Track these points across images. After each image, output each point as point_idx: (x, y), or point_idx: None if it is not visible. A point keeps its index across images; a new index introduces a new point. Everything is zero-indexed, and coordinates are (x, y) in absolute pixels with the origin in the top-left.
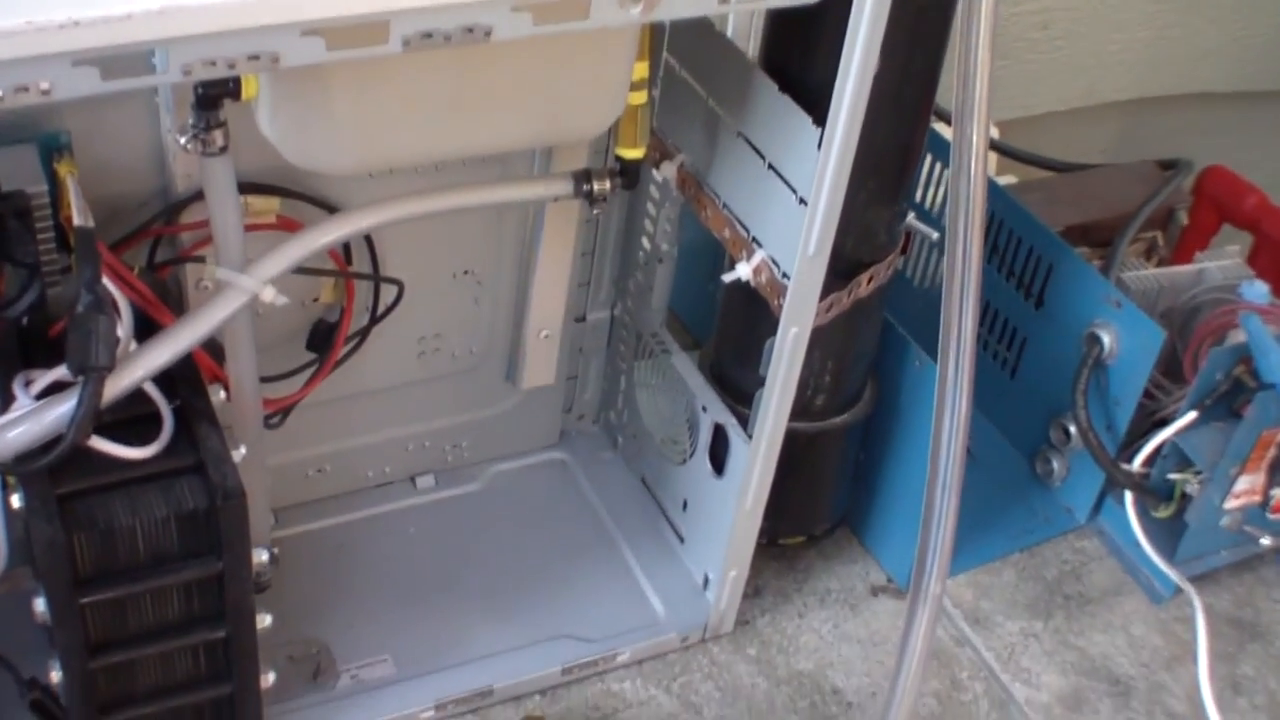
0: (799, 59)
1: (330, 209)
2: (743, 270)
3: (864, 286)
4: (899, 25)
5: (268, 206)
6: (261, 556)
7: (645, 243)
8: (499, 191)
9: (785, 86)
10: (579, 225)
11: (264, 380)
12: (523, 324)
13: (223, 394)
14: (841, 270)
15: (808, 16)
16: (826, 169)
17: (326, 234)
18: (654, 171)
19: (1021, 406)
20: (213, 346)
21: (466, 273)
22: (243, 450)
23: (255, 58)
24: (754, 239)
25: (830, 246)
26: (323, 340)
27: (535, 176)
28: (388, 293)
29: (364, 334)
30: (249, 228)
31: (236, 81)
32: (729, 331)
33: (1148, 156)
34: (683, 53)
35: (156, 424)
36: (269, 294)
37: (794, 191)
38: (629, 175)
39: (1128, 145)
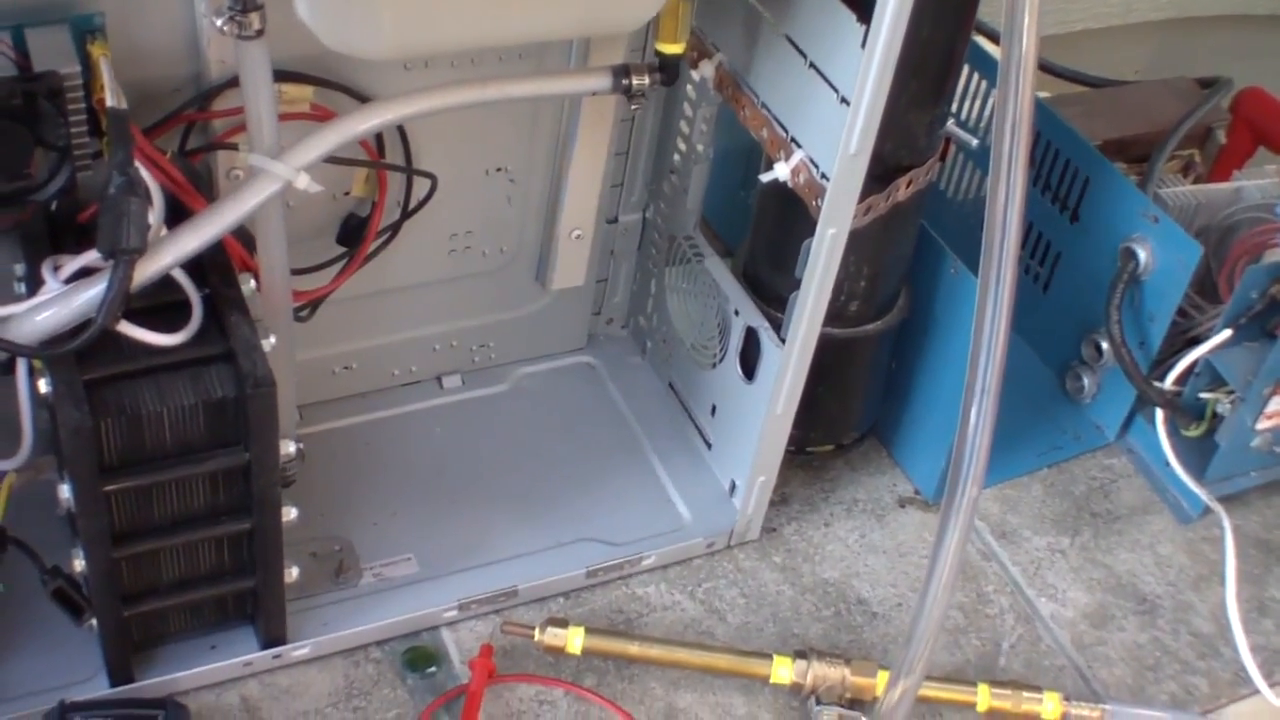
0: None
1: (365, 100)
2: (781, 170)
3: (902, 190)
4: None
5: (301, 95)
6: (289, 449)
7: (681, 144)
8: (535, 84)
9: None
10: (614, 124)
11: (294, 273)
12: (554, 223)
13: (253, 283)
14: (880, 174)
15: None
16: (870, 68)
17: (361, 122)
18: (691, 71)
19: (1053, 322)
20: (244, 236)
21: (500, 169)
22: (272, 340)
23: None
24: (793, 139)
25: (871, 147)
26: (354, 234)
27: (572, 70)
28: (420, 188)
29: (395, 229)
30: (282, 117)
31: None
32: (764, 234)
33: (1188, 74)
34: None
35: (186, 311)
36: (303, 180)
37: (835, 90)
38: (668, 71)
39: (1163, 66)
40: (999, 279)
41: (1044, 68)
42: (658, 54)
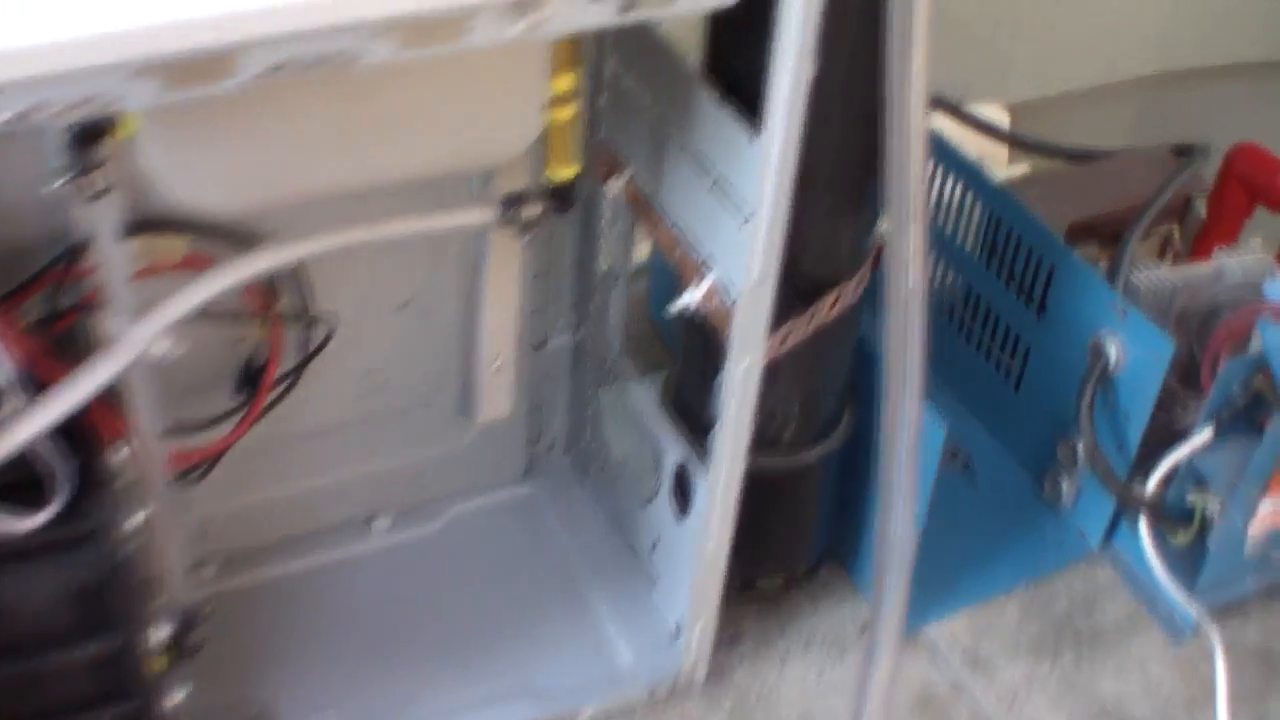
0: (740, 63)
1: (249, 242)
2: (690, 297)
3: (827, 310)
4: (839, 21)
5: (173, 247)
6: (161, 634)
7: (602, 262)
8: (415, 223)
9: (729, 94)
10: (525, 249)
11: (187, 429)
12: (473, 356)
13: (125, 451)
14: (803, 292)
15: (742, 18)
16: (765, 183)
17: (219, 280)
18: (603, 186)
19: (1027, 421)
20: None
21: (408, 304)
22: (142, 515)
23: (80, 105)
24: (704, 262)
25: (776, 270)
26: (252, 382)
27: (458, 204)
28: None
29: (296, 375)
30: (154, 270)
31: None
32: (690, 359)
33: (1176, 135)
34: (627, 58)
35: (48, 489)
36: (159, 348)
37: (739, 209)
38: (562, 198)
39: (1153, 124)
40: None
41: (1016, 141)
42: (548, 180)
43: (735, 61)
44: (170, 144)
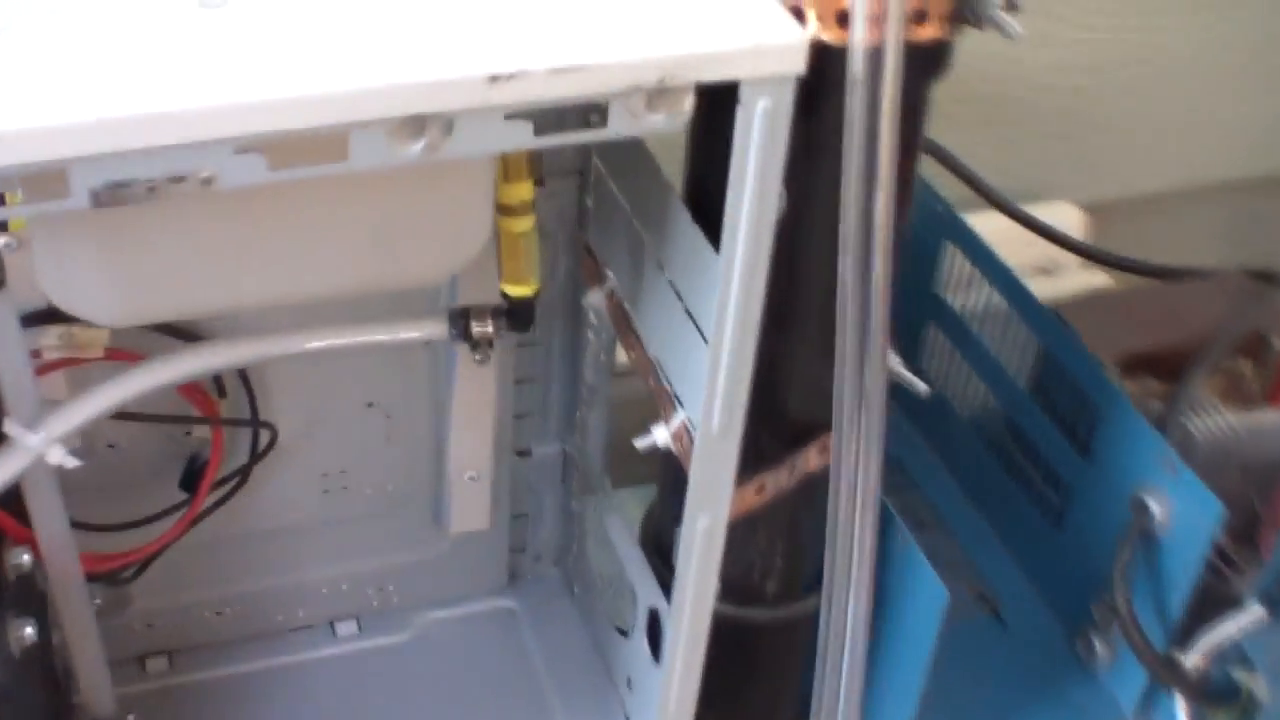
0: (715, 179)
1: (183, 336)
2: (659, 435)
3: (813, 459)
4: (820, 149)
5: (95, 338)
6: None
7: (586, 374)
8: (358, 332)
9: (705, 211)
10: (500, 356)
11: (123, 526)
12: (444, 464)
13: (25, 557)
14: (787, 435)
15: (719, 132)
16: (726, 312)
17: (129, 385)
18: (588, 294)
19: (1066, 566)
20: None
21: (371, 405)
22: (29, 628)
23: None
24: (676, 396)
25: (741, 416)
26: (195, 480)
27: (402, 317)
28: (291, 420)
29: (243, 475)
30: (71, 362)
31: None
32: (665, 497)
33: (1263, 249)
34: (610, 160)
35: None
36: (56, 455)
37: (705, 340)
38: (519, 315)
39: (1240, 235)
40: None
41: (1076, 249)
42: (504, 296)
43: (709, 180)
44: (42, 246)
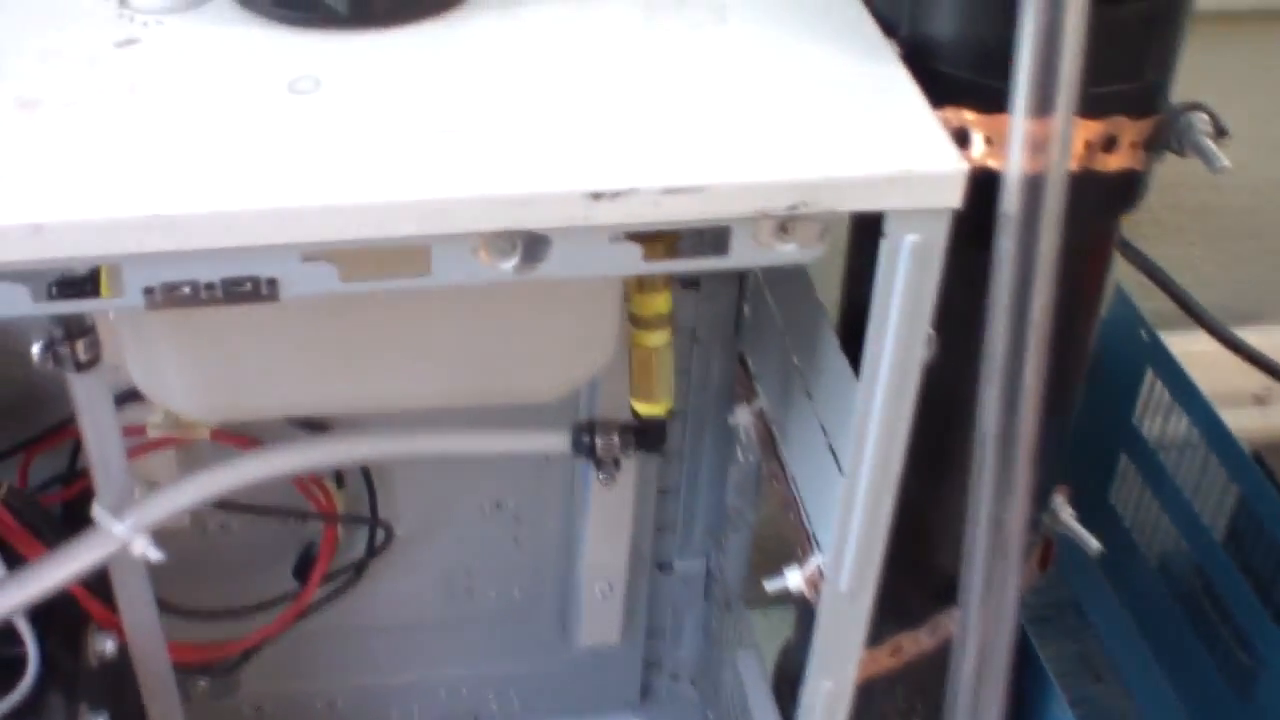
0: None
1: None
2: (792, 579)
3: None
4: (980, 279)
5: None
6: None
7: (730, 496)
8: (476, 440)
9: (858, 337)
10: (640, 465)
11: (228, 613)
12: (574, 573)
13: (109, 644)
14: (932, 592)
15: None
16: (864, 444)
17: (225, 477)
18: (736, 410)
19: None
20: None
21: (500, 506)
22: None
23: None
24: (813, 535)
25: (875, 572)
26: (309, 569)
27: (524, 427)
28: (413, 518)
29: (359, 569)
30: (176, 441)
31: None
32: (802, 629)
33: None
34: (768, 271)
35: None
36: (139, 546)
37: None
38: (649, 435)
39: None
40: None
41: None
42: (634, 414)
43: (863, 305)
44: (128, 333)
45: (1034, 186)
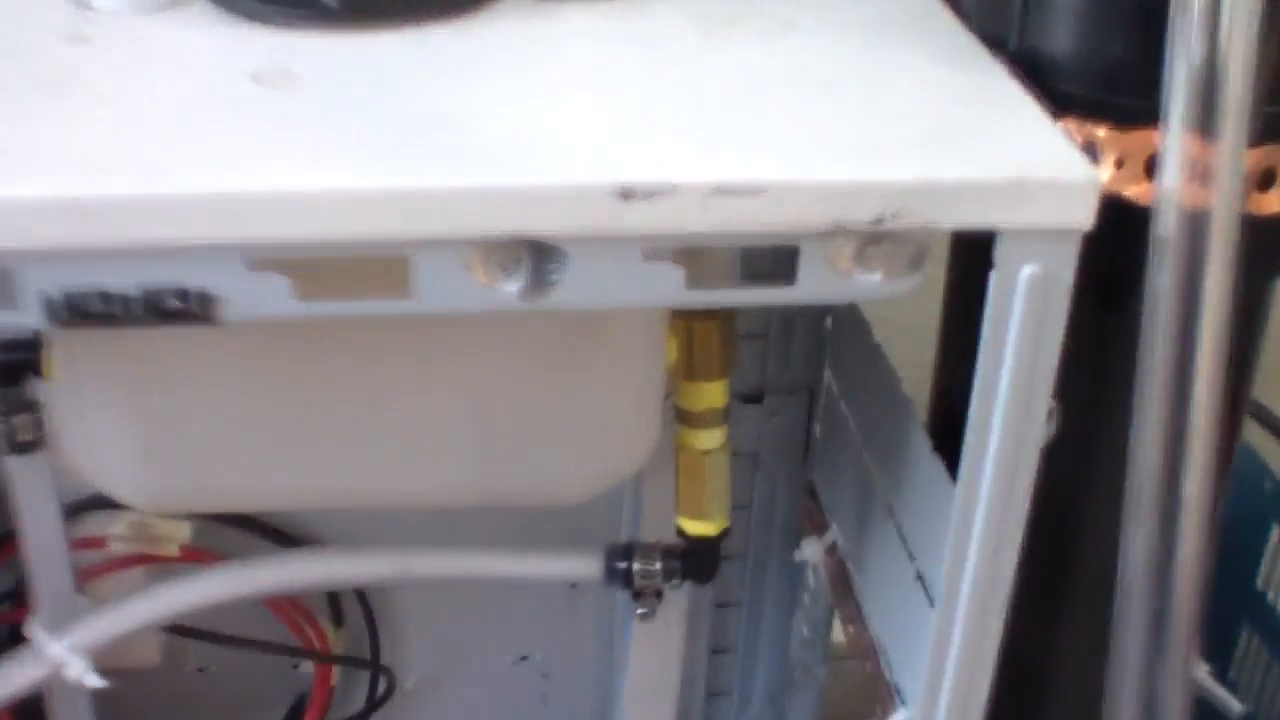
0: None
1: (286, 540)
2: None
3: None
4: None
5: (172, 532)
6: None
7: (794, 650)
8: (487, 561)
9: (955, 438)
10: (687, 613)
11: None
12: None
13: None
14: None
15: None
16: (963, 565)
17: (181, 595)
18: (801, 544)
19: None
20: None
21: (525, 659)
22: None
23: None
24: (897, 689)
25: None
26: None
27: (547, 548)
28: (421, 665)
29: None
30: (145, 559)
31: (36, 352)
32: None
33: None
34: (845, 370)
35: None
36: (75, 670)
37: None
38: (697, 560)
39: None
40: None
41: None
42: (680, 533)
43: (961, 390)
44: (63, 402)
45: (1195, 224)
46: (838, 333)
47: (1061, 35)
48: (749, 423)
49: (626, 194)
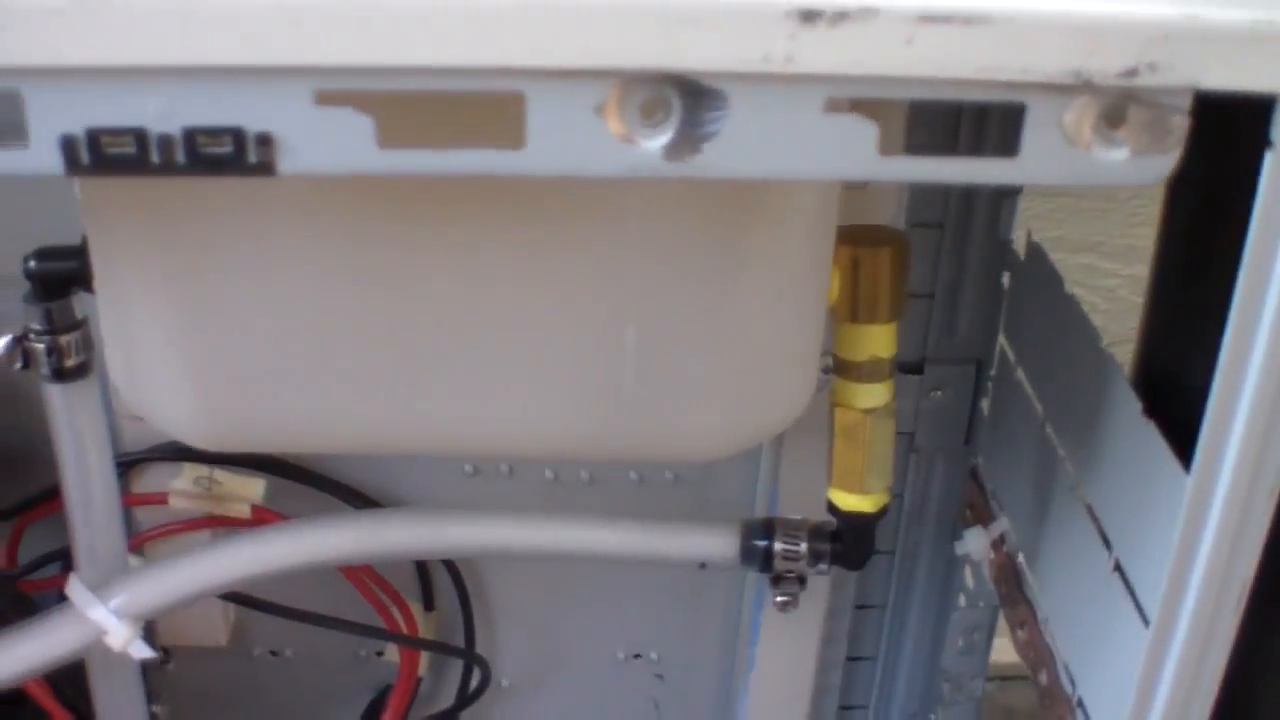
0: (1201, 343)
1: (371, 505)
2: None
3: None
4: None
5: (246, 491)
6: None
7: (947, 658)
8: (598, 532)
9: (1172, 409)
10: (827, 604)
11: None
12: None
13: None
14: None
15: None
16: (1190, 576)
17: (247, 556)
18: (963, 536)
19: None
20: None
21: (637, 656)
22: None
23: None
24: (1081, 705)
25: None
26: (378, 717)
27: (676, 519)
28: (519, 659)
29: (447, 719)
30: (213, 521)
31: (84, 260)
32: None
33: None
34: (1023, 341)
35: None
36: (119, 638)
37: (1146, 620)
38: (850, 541)
39: None
40: None
41: None
42: (831, 509)
43: (1186, 345)
44: (107, 317)
45: None
46: (1017, 291)
47: None
48: (905, 397)
49: (810, 16)
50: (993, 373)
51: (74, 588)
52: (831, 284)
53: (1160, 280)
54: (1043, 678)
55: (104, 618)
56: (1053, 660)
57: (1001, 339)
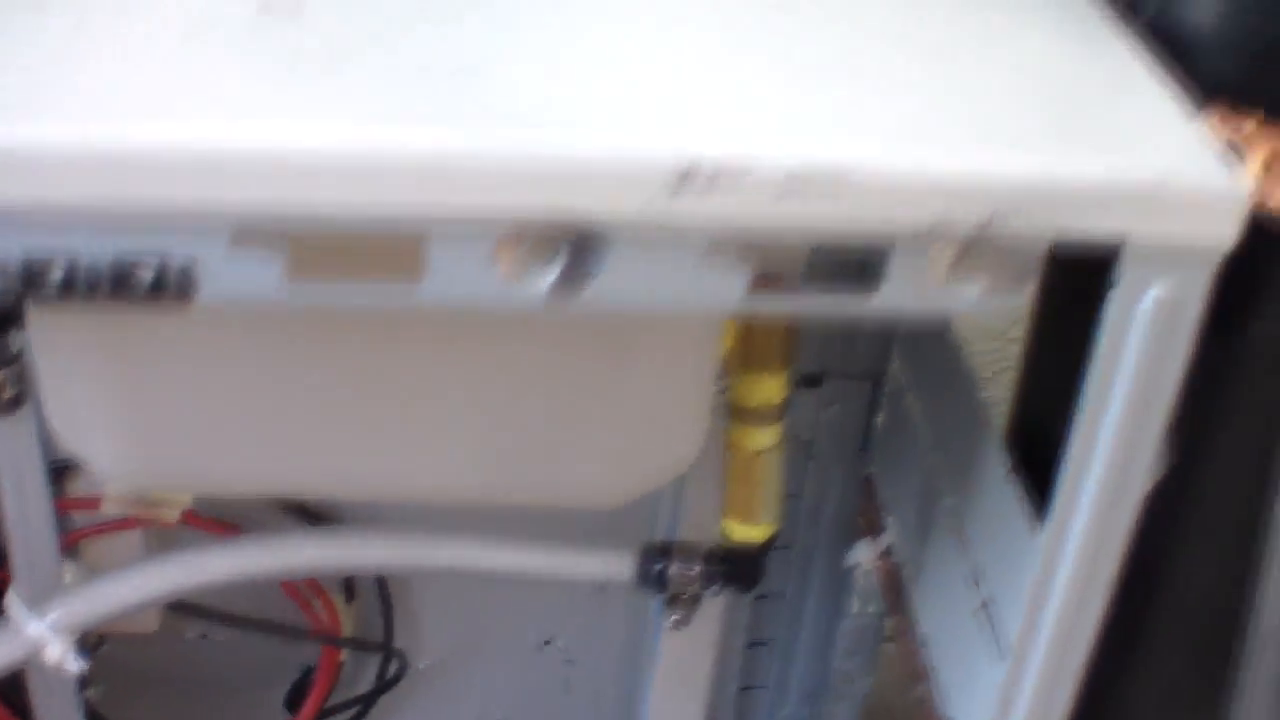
0: (1058, 412)
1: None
2: None
3: None
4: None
5: (173, 497)
6: None
7: (837, 656)
8: (512, 555)
9: (1037, 461)
10: (728, 605)
11: None
12: None
13: None
14: None
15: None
16: (1040, 619)
17: (176, 573)
18: (855, 546)
19: None
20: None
21: (548, 643)
22: None
23: None
24: None
25: None
26: (301, 700)
27: (577, 544)
28: (436, 647)
29: (366, 704)
30: (137, 523)
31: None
32: None
33: None
34: (915, 361)
35: None
36: (54, 652)
37: (1002, 657)
38: (741, 567)
39: None
40: None
41: None
42: (724, 538)
43: (1048, 411)
44: (43, 359)
45: None
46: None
47: (1206, 5)
48: (806, 407)
49: (687, 176)
50: (887, 390)
51: (12, 605)
52: (726, 336)
53: (1032, 348)
54: (920, 693)
55: (41, 633)
56: (925, 675)
57: (895, 359)
